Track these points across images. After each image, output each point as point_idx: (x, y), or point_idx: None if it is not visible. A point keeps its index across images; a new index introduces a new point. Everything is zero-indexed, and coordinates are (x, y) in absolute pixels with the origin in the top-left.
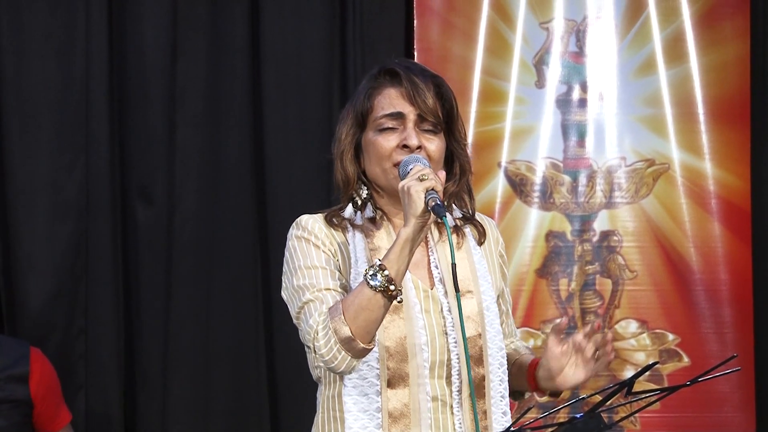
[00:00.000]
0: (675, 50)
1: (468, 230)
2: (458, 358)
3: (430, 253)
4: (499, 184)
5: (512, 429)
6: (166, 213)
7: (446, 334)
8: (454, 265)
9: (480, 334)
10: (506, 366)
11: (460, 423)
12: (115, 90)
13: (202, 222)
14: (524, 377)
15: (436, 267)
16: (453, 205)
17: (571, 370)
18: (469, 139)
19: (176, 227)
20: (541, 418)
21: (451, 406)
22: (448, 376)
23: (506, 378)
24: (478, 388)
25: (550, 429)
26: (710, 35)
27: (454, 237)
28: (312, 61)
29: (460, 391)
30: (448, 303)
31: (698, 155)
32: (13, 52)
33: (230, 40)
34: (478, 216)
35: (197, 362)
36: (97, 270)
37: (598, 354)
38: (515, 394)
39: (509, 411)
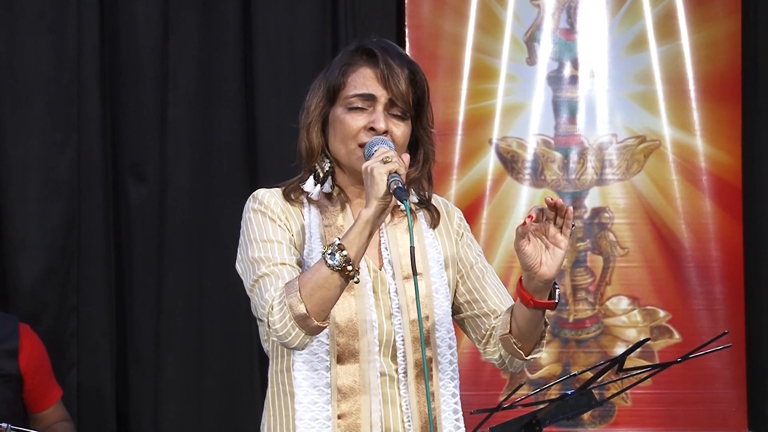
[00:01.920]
0: (666, 27)
1: (422, 214)
2: (403, 341)
3: (381, 235)
4: (490, 161)
5: (504, 405)
6: (158, 191)
7: (392, 315)
8: (412, 248)
9: (427, 317)
10: (455, 348)
11: (407, 404)
12: (106, 68)
13: (195, 200)
14: (520, 302)
15: (386, 248)
16: (411, 189)
17: (547, 256)
18: (460, 117)
19: (168, 205)
20: (532, 394)
21: (398, 386)
22: (393, 357)
23: (455, 360)
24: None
25: (542, 405)
26: (701, 12)
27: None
28: (304, 38)
29: (405, 373)
30: (395, 285)
31: (689, 132)
32: (5, 30)
33: (222, 18)
34: (435, 201)
35: (190, 340)
36: (89, 248)
37: (562, 225)
38: (522, 348)
39: (458, 393)
